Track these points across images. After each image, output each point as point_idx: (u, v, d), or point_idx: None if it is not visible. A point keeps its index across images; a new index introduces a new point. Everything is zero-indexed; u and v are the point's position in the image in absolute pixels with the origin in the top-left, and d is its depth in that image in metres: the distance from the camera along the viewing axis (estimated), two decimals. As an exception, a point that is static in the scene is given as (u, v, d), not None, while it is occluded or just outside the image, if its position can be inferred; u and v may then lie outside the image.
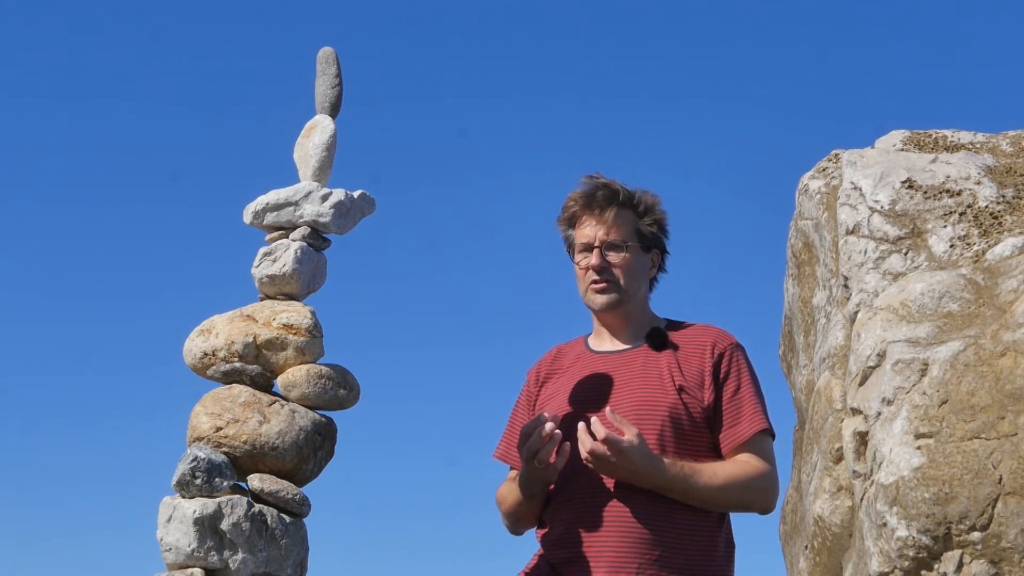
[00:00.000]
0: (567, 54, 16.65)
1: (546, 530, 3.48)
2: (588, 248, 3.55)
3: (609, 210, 3.56)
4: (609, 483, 3.36)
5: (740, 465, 3.40)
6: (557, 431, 3.34)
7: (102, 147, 15.71)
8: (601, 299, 3.54)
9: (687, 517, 3.36)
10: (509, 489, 3.56)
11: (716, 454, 3.44)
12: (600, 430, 3.30)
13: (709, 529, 3.40)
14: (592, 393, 3.49)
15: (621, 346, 3.57)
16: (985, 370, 4.44)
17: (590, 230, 3.56)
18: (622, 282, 3.55)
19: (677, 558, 3.33)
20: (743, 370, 3.50)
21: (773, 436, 3.50)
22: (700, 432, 3.43)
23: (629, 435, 3.29)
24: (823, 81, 16.61)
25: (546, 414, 3.42)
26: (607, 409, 3.34)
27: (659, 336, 3.56)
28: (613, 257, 3.54)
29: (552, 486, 3.47)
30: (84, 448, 13.82)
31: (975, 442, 4.34)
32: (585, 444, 3.31)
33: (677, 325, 3.62)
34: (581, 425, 3.32)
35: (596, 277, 3.54)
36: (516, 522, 3.58)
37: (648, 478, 3.32)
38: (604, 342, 3.61)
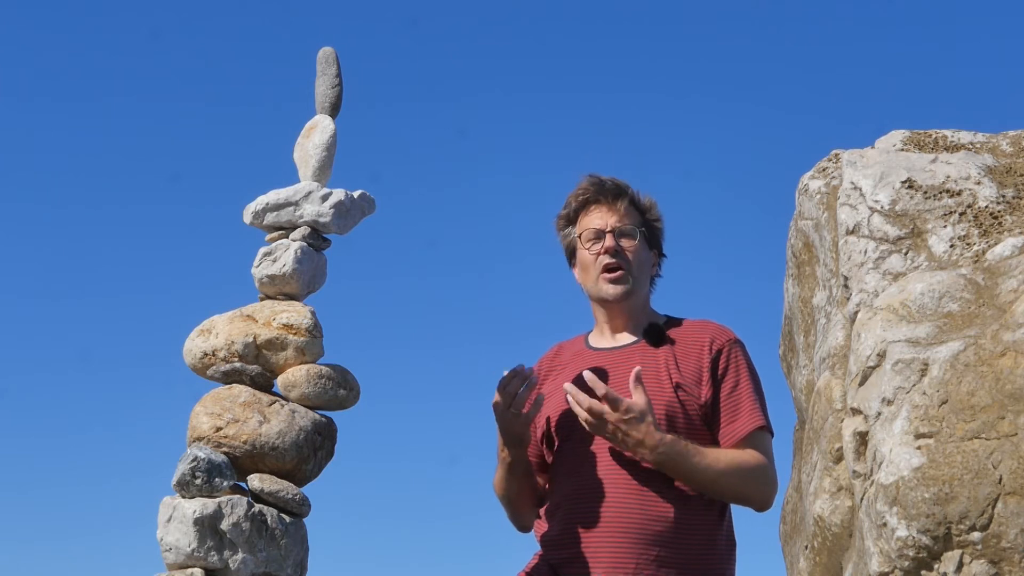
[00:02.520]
0: (566, 54, 16.67)
1: (544, 529, 3.48)
2: (599, 236, 3.53)
3: (621, 200, 3.56)
4: (605, 481, 3.36)
5: (742, 455, 3.40)
6: (535, 375, 3.37)
7: (102, 147, 15.72)
8: (615, 289, 3.52)
9: (686, 514, 3.36)
10: (498, 473, 3.56)
11: None
12: (600, 386, 3.27)
13: (709, 526, 3.39)
14: (589, 390, 3.49)
15: (620, 342, 3.57)
16: (985, 370, 4.44)
17: (601, 218, 3.55)
18: (633, 270, 3.54)
19: (676, 555, 3.32)
20: (741, 366, 3.49)
21: (772, 433, 3.49)
22: (697, 430, 3.42)
23: (637, 398, 3.27)
24: (823, 81, 16.62)
25: (524, 366, 3.42)
26: (635, 370, 3.31)
27: (656, 332, 3.55)
28: (626, 243, 3.53)
29: (543, 478, 3.48)
30: (84, 448, 13.83)
31: (975, 442, 4.34)
32: (582, 402, 3.29)
33: (676, 322, 3.61)
34: (568, 385, 3.31)
35: (609, 262, 3.51)
36: (515, 512, 3.58)
37: (650, 448, 3.28)
38: (604, 338, 3.60)
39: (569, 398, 3.32)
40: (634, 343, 3.55)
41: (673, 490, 3.36)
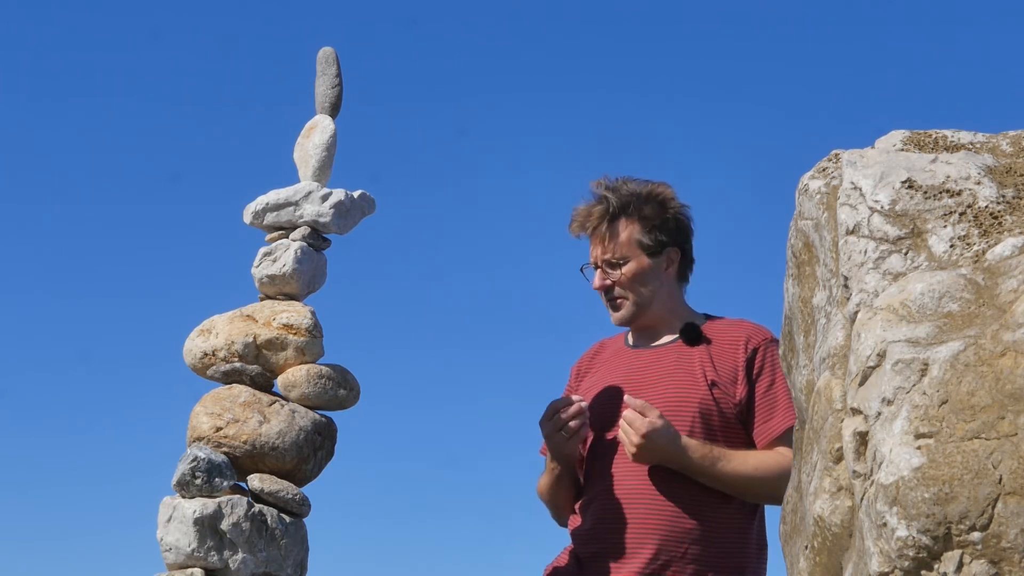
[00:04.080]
0: (567, 53, 16.64)
1: (577, 523, 3.50)
2: (595, 266, 3.58)
3: (601, 227, 3.57)
4: (638, 477, 3.37)
5: (773, 455, 3.41)
6: (584, 404, 3.39)
7: (102, 147, 15.69)
8: (616, 316, 3.57)
9: (716, 511, 3.37)
10: (544, 478, 3.59)
11: (749, 448, 3.44)
12: (627, 415, 3.31)
13: (739, 524, 3.40)
14: (625, 388, 3.50)
15: (657, 341, 3.59)
16: (985, 370, 4.43)
17: (592, 250, 3.59)
18: (631, 296, 3.55)
19: (706, 553, 3.34)
20: (777, 365, 3.50)
21: None
22: (731, 427, 3.44)
23: (651, 417, 3.30)
24: (823, 81, 16.59)
25: (575, 397, 3.46)
26: (626, 396, 3.35)
27: (693, 331, 3.57)
28: (613, 275, 3.55)
29: (581, 473, 3.49)
30: (84, 448, 13.81)
31: (975, 442, 4.34)
32: (630, 436, 3.34)
33: (714, 320, 3.62)
34: (621, 422, 3.36)
35: (604, 297, 3.56)
36: (557, 510, 3.61)
37: (675, 459, 3.32)
38: (642, 337, 3.63)
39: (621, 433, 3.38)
40: (671, 342, 3.57)
41: (705, 488, 3.37)
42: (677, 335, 3.57)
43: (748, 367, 3.48)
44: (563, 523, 3.63)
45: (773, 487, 3.41)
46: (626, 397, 3.34)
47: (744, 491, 3.38)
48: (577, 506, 3.52)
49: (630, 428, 3.28)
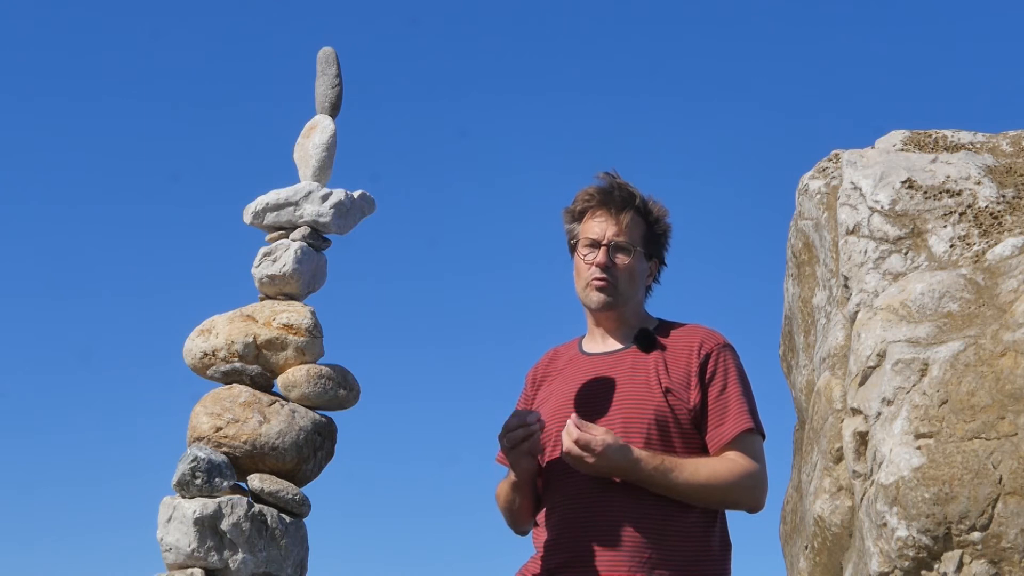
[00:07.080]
0: (567, 54, 16.67)
1: (540, 535, 3.50)
2: (595, 244, 3.55)
3: (625, 212, 3.57)
4: (599, 486, 3.37)
5: (725, 462, 3.41)
6: (538, 427, 3.39)
7: (102, 147, 15.72)
8: (598, 297, 3.55)
9: (678, 517, 3.37)
10: (503, 485, 3.58)
11: (705, 454, 3.44)
12: (573, 433, 3.32)
13: (701, 528, 3.40)
14: (582, 396, 3.50)
15: (612, 347, 3.58)
16: (985, 370, 4.44)
17: (600, 227, 3.56)
18: (620, 286, 3.55)
19: (669, 559, 3.33)
20: (730, 370, 3.50)
21: (763, 436, 3.50)
22: (687, 434, 3.44)
23: (599, 435, 3.31)
24: (823, 81, 16.63)
25: (534, 412, 3.45)
26: (572, 416, 3.36)
27: (647, 337, 3.56)
28: (619, 259, 3.54)
29: (540, 482, 3.49)
30: (84, 448, 13.83)
31: (975, 442, 4.35)
32: (571, 450, 3.34)
33: (668, 326, 3.62)
34: (564, 434, 3.35)
35: (599, 274, 3.54)
36: (514, 520, 3.60)
37: (628, 473, 3.33)
38: (596, 343, 3.62)
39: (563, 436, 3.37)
40: (625, 348, 3.56)
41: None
42: (632, 341, 3.56)
43: (701, 372, 3.48)
44: (518, 531, 3.64)
45: (727, 494, 3.42)
46: (572, 417, 3.36)
47: (697, 499, 3.39)
48: (540, 517, 3.52)
49: (581, 452, 3.29)
